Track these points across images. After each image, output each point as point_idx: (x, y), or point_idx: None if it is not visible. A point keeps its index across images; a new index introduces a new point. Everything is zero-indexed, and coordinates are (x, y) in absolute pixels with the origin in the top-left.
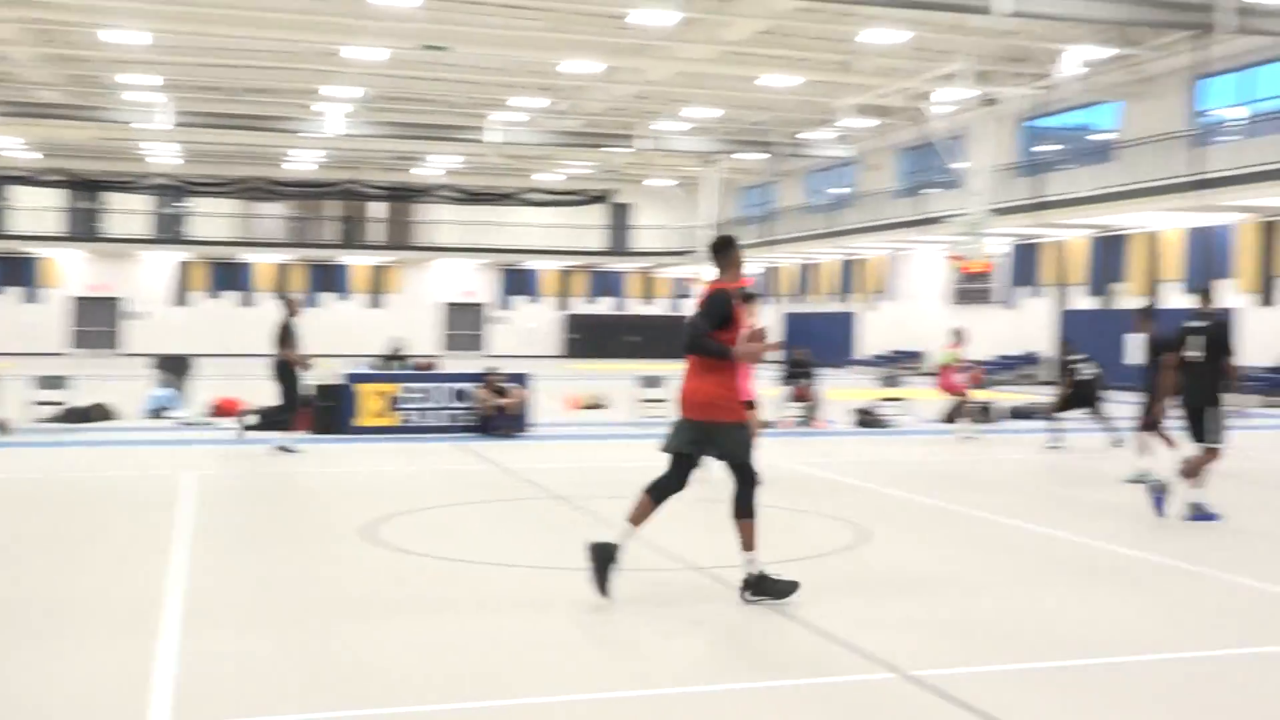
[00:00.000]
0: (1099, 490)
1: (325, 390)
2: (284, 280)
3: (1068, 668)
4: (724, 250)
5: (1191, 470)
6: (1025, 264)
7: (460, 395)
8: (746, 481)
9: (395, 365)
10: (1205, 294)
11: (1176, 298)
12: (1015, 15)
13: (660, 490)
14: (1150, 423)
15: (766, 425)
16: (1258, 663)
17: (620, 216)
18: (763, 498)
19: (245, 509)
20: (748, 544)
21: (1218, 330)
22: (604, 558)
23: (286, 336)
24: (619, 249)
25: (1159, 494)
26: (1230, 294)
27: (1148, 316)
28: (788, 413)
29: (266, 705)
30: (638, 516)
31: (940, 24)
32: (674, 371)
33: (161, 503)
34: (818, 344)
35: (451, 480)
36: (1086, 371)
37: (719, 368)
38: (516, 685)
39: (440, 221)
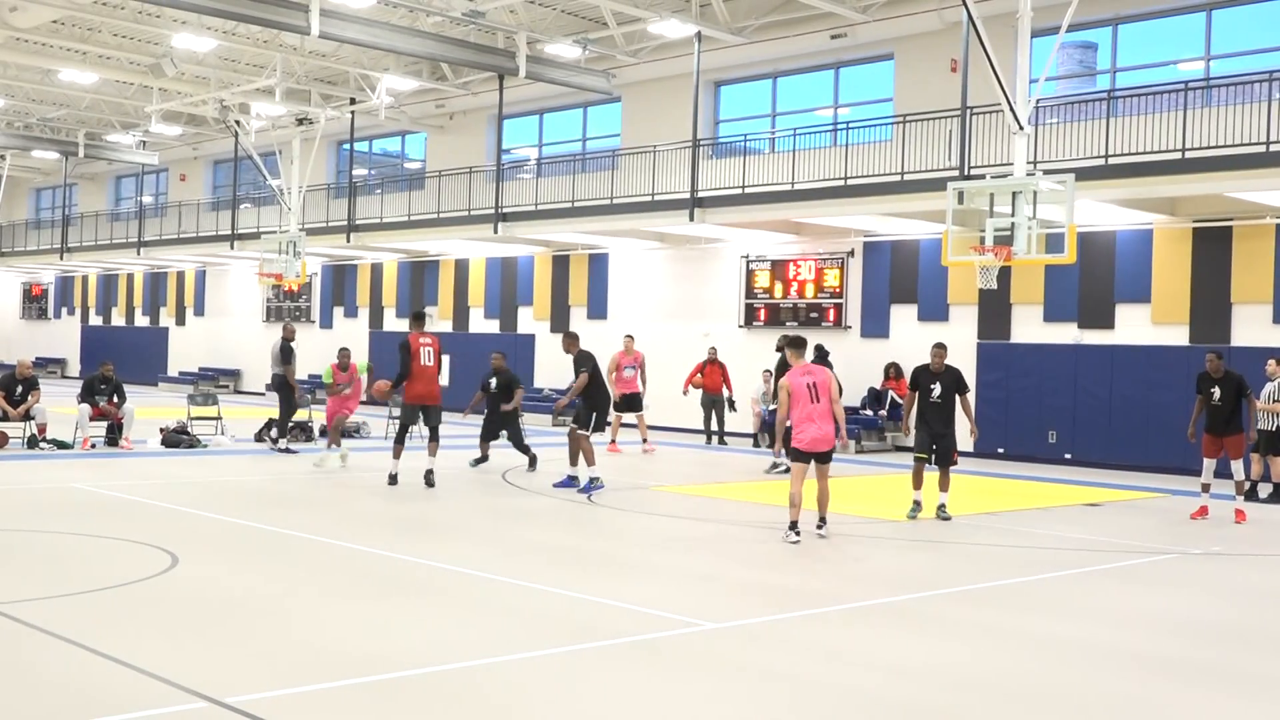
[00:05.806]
0: (416, 504)
1: None
2: None
3: (382, 682)
4: None
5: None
6: (340, 284)
7: None
8: None
9: None
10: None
11: (481, 323)
12: (325, 38)
13: None
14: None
15: (64, 446)
16: (556, 661)
17: None
18: (63, 525)
19: None
20: None
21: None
22: None
23: None
24: None
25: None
26: (527, 321)
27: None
28: (89, 433)
29: None
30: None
31: (254, 37)
32: None
33: None
34: (125, 360)
35: None
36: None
37: None
38: None
39: None
